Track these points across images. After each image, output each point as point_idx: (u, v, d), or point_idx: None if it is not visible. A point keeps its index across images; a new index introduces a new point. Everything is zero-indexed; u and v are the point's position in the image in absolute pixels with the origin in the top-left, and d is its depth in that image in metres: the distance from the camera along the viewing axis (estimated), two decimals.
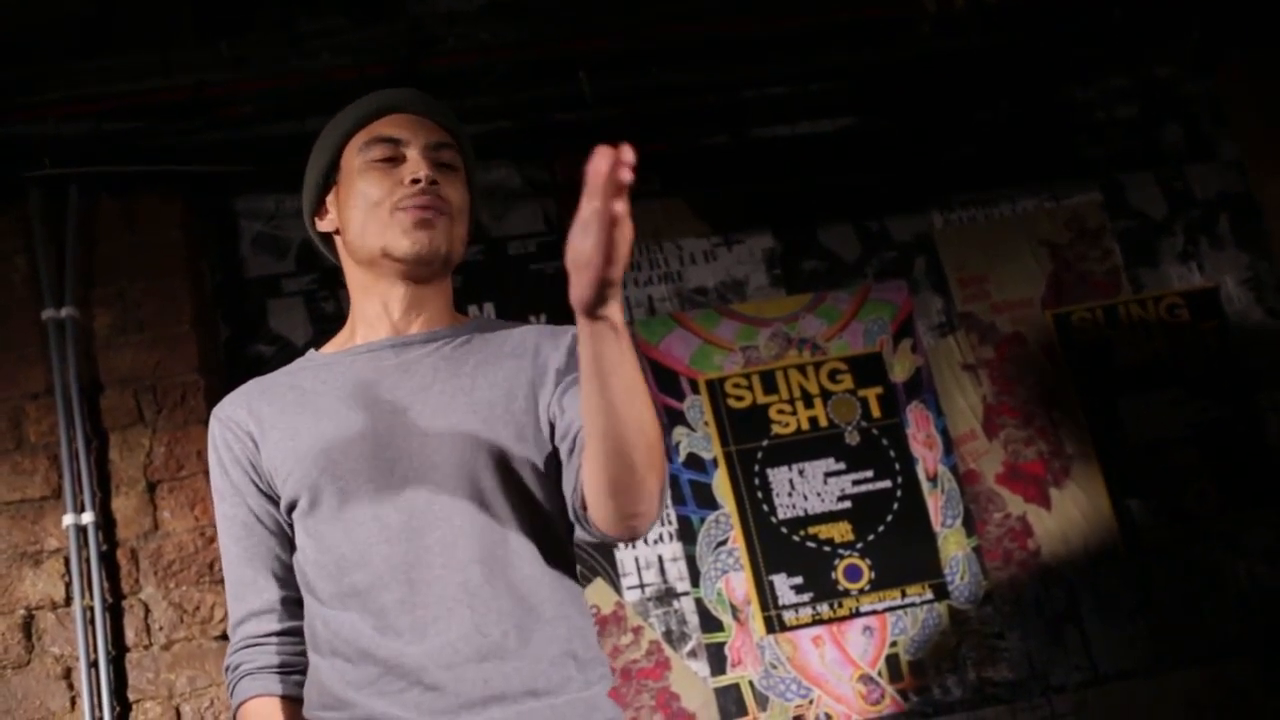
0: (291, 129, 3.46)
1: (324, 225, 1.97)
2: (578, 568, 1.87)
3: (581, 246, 1.40)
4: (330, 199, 1.96)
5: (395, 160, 1.88)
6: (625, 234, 1.38)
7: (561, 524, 1.81)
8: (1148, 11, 3.85)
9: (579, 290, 1.44)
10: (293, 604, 1.83)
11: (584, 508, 1.71)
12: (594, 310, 1.46)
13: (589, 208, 1.37)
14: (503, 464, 1.74)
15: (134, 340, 3.41)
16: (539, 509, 1.78)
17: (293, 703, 1.80)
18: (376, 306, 1.90)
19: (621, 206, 1.36)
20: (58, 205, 3.47)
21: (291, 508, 1.80)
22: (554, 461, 1.80)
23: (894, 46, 3.78)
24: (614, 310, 1.47)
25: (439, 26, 3.52)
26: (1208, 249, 4.02)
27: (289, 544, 1.84)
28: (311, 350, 1.97)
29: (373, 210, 1.85)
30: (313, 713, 1.73)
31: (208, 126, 3.52)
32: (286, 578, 1.84)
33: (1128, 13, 3.82)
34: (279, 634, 1.84)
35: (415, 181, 1.84)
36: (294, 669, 1.82)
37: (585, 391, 1.56)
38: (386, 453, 1.75)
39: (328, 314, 3.64)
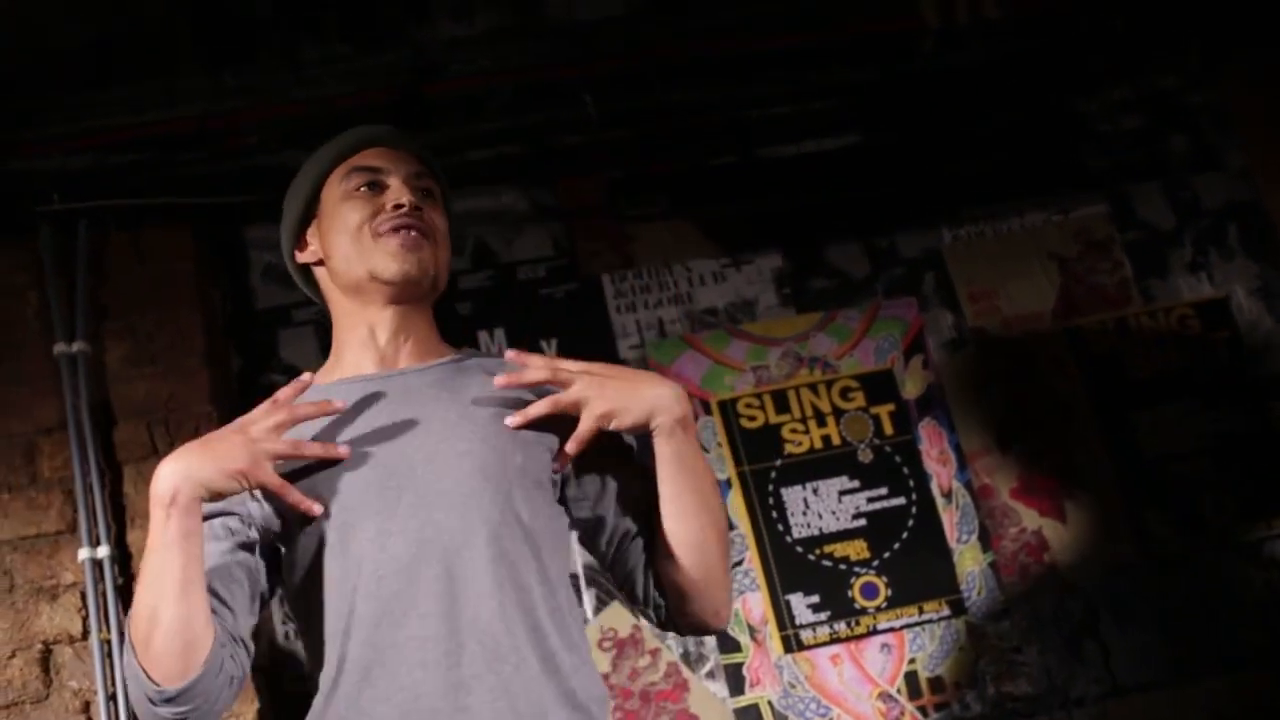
0: (297, 158, 3.45)
1: (304, 257, 1.99)
2: (595, 592, 1.87)
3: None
4: (311, 232, 1.99)
5: (376, 187, 1.92)
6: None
7: (564, 554, 1.82)
8: (1150, 22, 3.85)
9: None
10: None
11: (664, 611, 1.82)
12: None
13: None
14: (510, 492, 1.72)
15: (146, 373, 3.41)
16: (547, 538, 1.76)
17: None
18: (362, 332, 1.91)
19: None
20: (68, 239, 3.47)
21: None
22: (558, 489, 1.83)
23: (897, 62, 3.78)
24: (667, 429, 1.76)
25: (442, 52, 3.52)
26: (1217, 259, 4.01)
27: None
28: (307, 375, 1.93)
29: (356, 235, 1.88)
30: None
31: (213, 157, 3.51)
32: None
33: (1130, 23, 3.81)
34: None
35: (399, 206, 1.88)
36: None
37: (664, 501, 1.79)
38: (393, 480, 1.72)
39: None
